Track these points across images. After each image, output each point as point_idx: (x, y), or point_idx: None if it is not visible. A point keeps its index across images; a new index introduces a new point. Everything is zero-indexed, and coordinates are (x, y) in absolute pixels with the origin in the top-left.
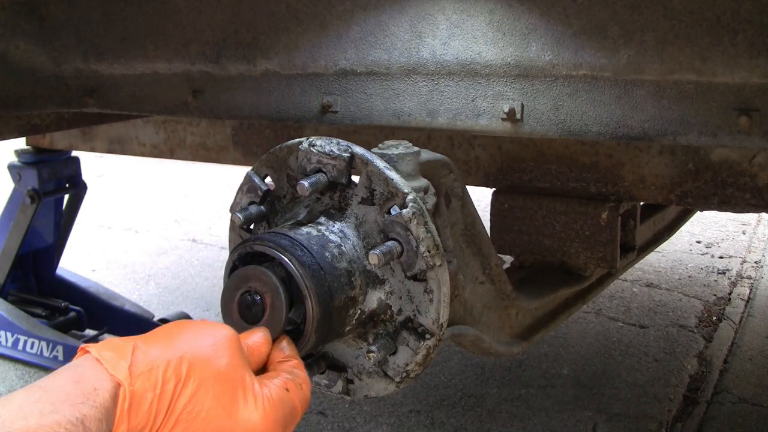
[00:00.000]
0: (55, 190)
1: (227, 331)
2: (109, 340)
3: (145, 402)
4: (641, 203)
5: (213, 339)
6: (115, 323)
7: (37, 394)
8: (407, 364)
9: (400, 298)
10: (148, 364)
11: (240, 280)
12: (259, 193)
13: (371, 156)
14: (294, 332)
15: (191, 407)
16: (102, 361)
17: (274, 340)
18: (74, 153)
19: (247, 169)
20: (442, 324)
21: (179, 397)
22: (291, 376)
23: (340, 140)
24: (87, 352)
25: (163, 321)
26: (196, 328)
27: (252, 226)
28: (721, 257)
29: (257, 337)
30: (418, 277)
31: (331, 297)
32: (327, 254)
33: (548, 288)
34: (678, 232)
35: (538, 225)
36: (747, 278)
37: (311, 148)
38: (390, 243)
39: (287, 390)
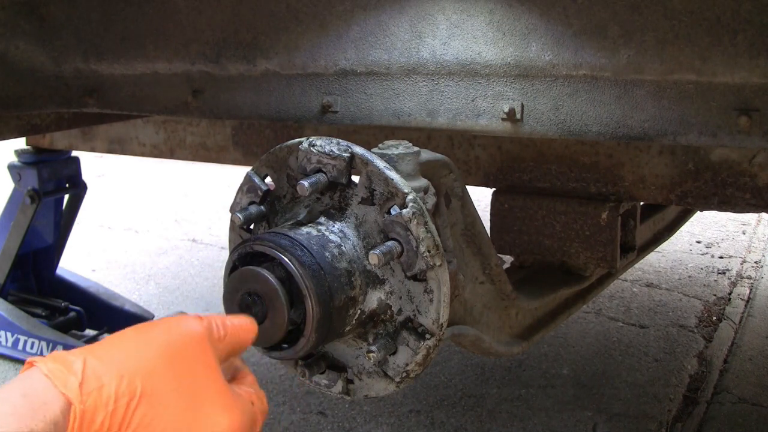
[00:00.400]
0: (55, 190)
1: (192, 329)
2: (58, 353)
3: (96, 420)
4: (641, 203)
5: (174, 343)
6: (115, 323)
7: None
8: (407, 364)
9: (400, 298)
10: (98, 380)
11: (238, 281)
12: (259, 193)
13: (371, 156)
14: (294, 332)
15: (146, 422)
16: (51, 377)
17: (278, 340)
18: (74, 153)
19: (247, 169)
20: (442, 324)
21: (133, 415)
22: (253, 389)
23: (340, 140)
24: (33, 365)
25: None
26: (154, 333)
27: (252, 226)
28: (721, 257)
29: (241, 322)
30: (418, 277)
31: (331, 297)
32: (327, 254)
33: (548, 288)
34: (678, 232)
35: (538, 225)
36: (747, 278)
37: (311, 148)
38: (390, 243)
39: (252, 404)
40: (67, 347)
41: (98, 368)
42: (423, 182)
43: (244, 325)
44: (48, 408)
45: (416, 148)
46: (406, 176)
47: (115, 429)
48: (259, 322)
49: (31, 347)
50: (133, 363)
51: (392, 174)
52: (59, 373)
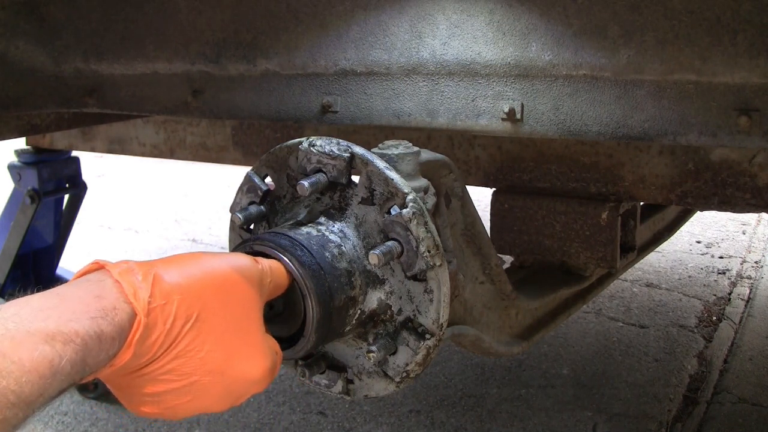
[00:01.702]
0: (55, 190)
1: (249, 271)
2: (128, 263)
3: (154, 335)
4: (641, 203)
5: (232, 279)
6: None
7: (55, 300)
8: (407, 364)
9: (400, 298)
10: (164, 296)
11: None
12: (259, 193)
13: (371, 156)
14: (294, 332)
15: (192, 346)
16: (123, 286)
17: (294, 331)
18: (74, 153)
19: (247, 169)
20: (442, 324)
21: (185, 336)
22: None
23: (340, 140)
24: (104, 267)
25: None
26: (216, 263)
27: (252, 226)
28: (721, 257)
29: (280, 267)
30: (418, 277)
31: (331, 297)
32: (327, 254)
33: (548, 288)
34: (678, 232)
35: (538, 225)
36: (747, 278)
37: (311, 148)
38: (390, 243)
39: (276, 352)
40: None
41: (165, 286)
42: (423, 182)
43: (282, 271)
44: (117, 313)
45: (416, 148)
46: (406, 176)
47: (165, 346)
48: (278, 313)
49: None
50: (195, 289)
51: (392, 174)
52: (130, 283)
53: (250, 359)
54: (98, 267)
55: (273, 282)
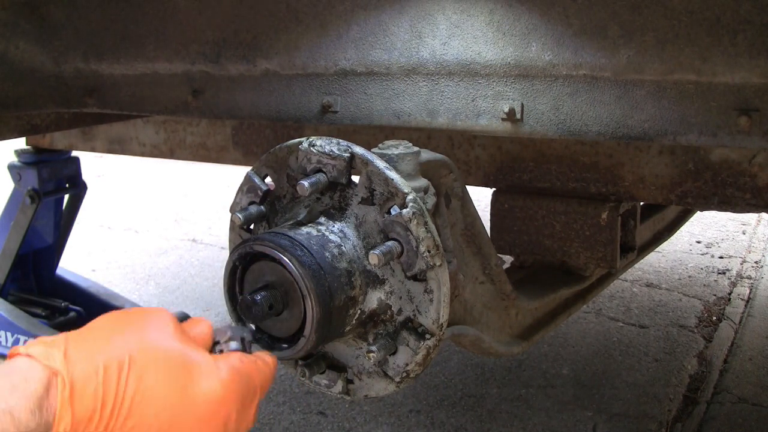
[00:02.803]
0: (55, 190)
1: (162, 313)
2: (39, 339)
3: (89, 388)
4: (641, 203)
5: (150, 322)
6: None
7: None
8: (407, 364)
9: (400, 298)
10: (85, 351)
11: (257, 273)
12: (259, 193)
13: (371, 156)
14: (294, 332)
15: (142, 393)
16: (33, 355)
17: (294, 331)
18: (74, 153)
19: (247, 169)
20: (442, 324)
21: (127, 385)
22: (244, 356)
23: (340, 140)
24: (18, 354)
25: None
26: (130, 317)
27: (252, 226)
28: (721, 257)
29: (201, 328)
30: (418, 277)
31: (331, 297)
32: (327, 254)
33: (548, 288)
34: (678, 232)
35: (538, 225)
36: (747, 278)
37: (311, 148)
38: (390, 243)
39: (241, 362)
40: None
41: (82, 343)
42: (423, 182)
43: (205, 328)
44: (28, 383)
45: (416, 148)
46: (406, 176)
47: (111, 400)
48: (278, 313)
49: None
50: (116, 337)
51: (392, 174)
52: (41, 350)
53: (209, 381)
54: (12, 355)
55: (197, 336)
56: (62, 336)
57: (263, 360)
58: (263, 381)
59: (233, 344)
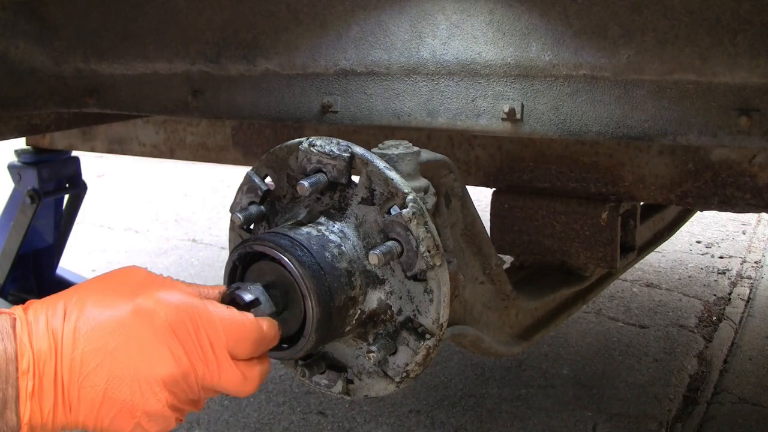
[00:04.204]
0: (55, 190)
1: (131, 269)
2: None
3: (40, 322)
4: (641, 203)
5: (116, 273)
6: None
7: None
8: (407, 364)
9: (400, 298)
10: (40, 301)
11: (256, 274)
12: (259, 193)
13: (371, 156)
14: (294, 332)
15: (87, 321)
16: (2, 310)
17: (294, 331)
18: (74, 153)
19: (247, 169)
20: (442, 324)
21: (71, 315)
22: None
23: (340, 140)
24: None
25: None
26: (97, 278)
27: (252, 226)
28: (721, 257)
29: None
30: (418, 277)
31: (331, 297)
32: (327, 254)
33: (548, 288)
34: (678, 232)
35: (538, 225)
36: (747, 278)
37: (311, 148)
38: (390, 243)
39: (192, 298)
40: None
41: (42, 301)
42: (423, 182)
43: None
44: None
45: (416, 148)
46: (406, 176)
47: (59, 331)
48: (278, 313)
49: None
50: (70, 290)
51: (392, 174)
52: (7, 307)
53: (141, 298)
54: None
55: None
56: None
57: (246, 317)
58: (230, 329)
59: (247, 296)
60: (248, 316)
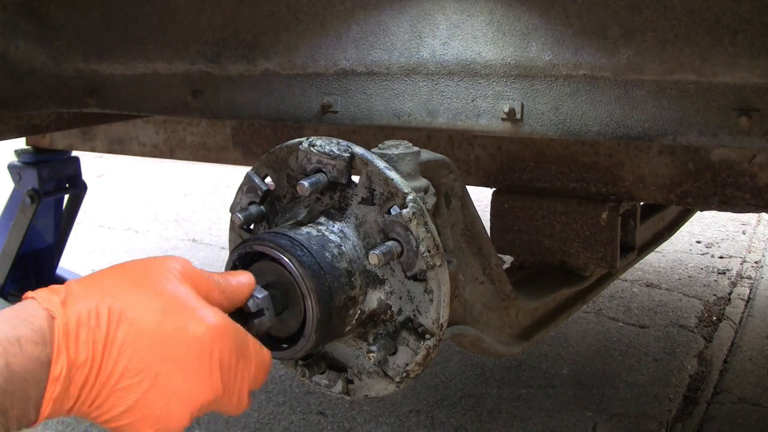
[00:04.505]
0: (55, 190)
1: (168, 260)
2: (48, 287)
3: (81, 335)
4: (641, 203)
5: (151, 269)
6: None
7: None
8: (407, 364)
9: (400, 298)
10: (79, 298)
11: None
12: (259, 193)
13: (371, 156)
14: (294, 332)
15: (131, 339)
16: (37, 298)
17: (294, 330)
18: (74, 153)
19: (247, 169)
20: (442, 324)
21: (116, 331)
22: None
23: (340, 140)
24: (27, 296)
25: None
26: (132, 264)
27: (252, 226)
28: (721, 257)
29: (241, 279)
30: (418, 277)
31: (331, 297)
32: (327, 254)
33: (548, 288)
34: (678, 232)
35: (538, 225)
36: (747, 278)
37: (311, 148)
38: (390, 243)
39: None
40: None
41: (79, 290)
42: (423, 182)
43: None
44: (35, 319)
45: (416, 148)
46: (406, 176)
47: (101, 344)
48: (278, 313)
49: None
50: (110, 286)
51: (392, 174)
52: (45, 294)
53: (196, 324)
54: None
55: (233, 286)
56: (66, 283)
57: (268, 354)
58: (259, 366)
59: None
60: (268, 352)
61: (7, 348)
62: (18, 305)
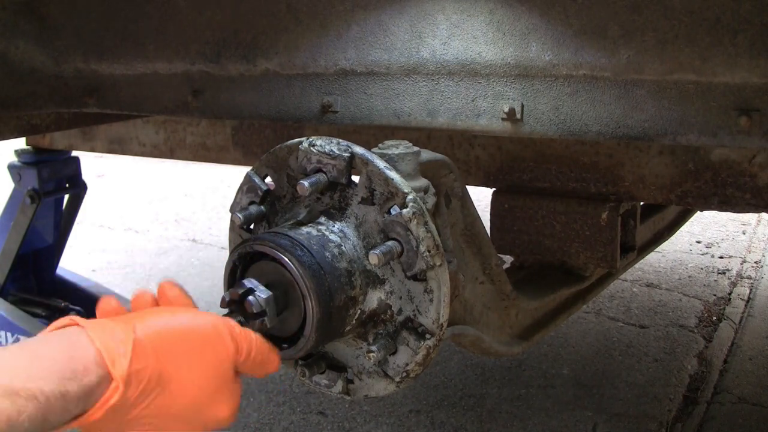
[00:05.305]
0: (55, 190)
1: (220, 327)
2: (106, 324)
3: (127, 401)
4: (641, 203)
5: (207, 332)
6: None
7: (27, 357)
8: (407, 364)
9: (400, 298)
10: (142, 361)
11: (256, 273)
12: (259, 193)
13: (371, 156)
14: (294, 332)
15: (166, 404)
16: (102, 352)
17: (294, 331)
18: (74, 153)
19: (247, 169)
20: (442, 324)
21: (156, 395)
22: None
23: (340, 140)
24: (77, 324)
25: None
26: (195, 323)
27: (252, 226)
28: (721, 257)
29: (270, 349)
30: (418, 277)
31: (331, 297)
32: (327, 254)
33: (548, 288)
34: (678, 232)
35: (538, 225)
36: (747, 278)
37: (311, 148)
38: (390, 243)
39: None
40: None
41: (143, 351)
42: (423, 182)
43: (272, 353)
44: (88, 375)
45: (416, 148)
46: (406, 176)
47: (138, 405)
48: (278, 313)
49: None
50: (170, 348)
51: (392, 174)
52: (109, 349)
53: (220, 405)
54: (73, 324)
55: (254, 353)
56: (131, 334)
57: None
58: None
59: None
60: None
61: (52, 403)
62: (72, 344)
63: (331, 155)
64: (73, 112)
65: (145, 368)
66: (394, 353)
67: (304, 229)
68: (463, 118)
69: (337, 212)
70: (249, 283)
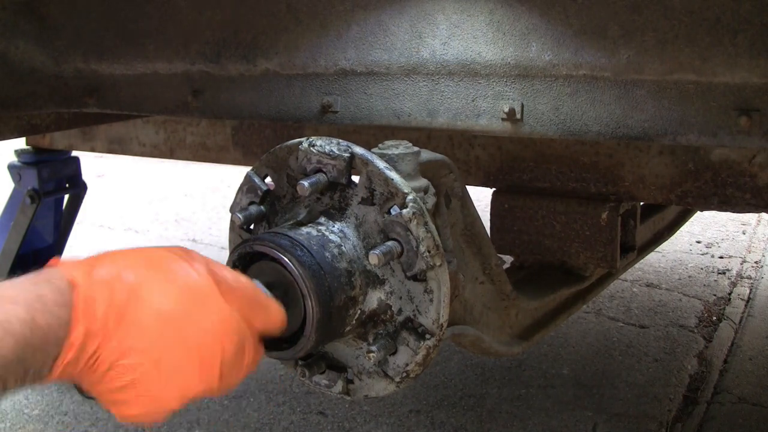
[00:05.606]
0: (55, 190)
1: (195, 253)
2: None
3: (100, 304)
4: (641, 203)
5: (175, 255)
6: None
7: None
8: (407, 364)
9: (400, 298)
10: (102, 270)
11: (256, 274)
12: (259, 193)
13: (371, 156)
14: (294, 332)
15: (140, 318)
16: (60, 265)
17: (294, 330)
18: (74, 153)
19: (247, 169)
20: (442, 324)
21: (130, 307)
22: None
23: (340, 140)
24: (51, 264)
25: None
26: (159, 249)
27: (252, 226)
28: (721, 257)
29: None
30: (418, 277)
31: (331, 297)
32: (327, 254)
33: (548, 288)
34: (678, 232)
35: (538, 225)
36: (747, 278)
37: (311, 148)
38: (390, 243)
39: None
40: None
41: (101, 264)
42: (423, 182)
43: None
44: (58, 282)
45: (416, 148)
46: (406, 176)
47: (113, 319)
48: None
49: None
50: (131, 264)
51: (392, 174)
52: (68, 263)
53: (211, 315)
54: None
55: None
56: (88, 257)
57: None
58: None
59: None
60: (261, 350)
61: (32, 304)
62: (42, 270)
63: (331, 155)
64: (73, 112)
65: (108, 276)
66: (394, 353)
67: (304, 230)
68: (463, 118)
69: (337, 212)
70: None
